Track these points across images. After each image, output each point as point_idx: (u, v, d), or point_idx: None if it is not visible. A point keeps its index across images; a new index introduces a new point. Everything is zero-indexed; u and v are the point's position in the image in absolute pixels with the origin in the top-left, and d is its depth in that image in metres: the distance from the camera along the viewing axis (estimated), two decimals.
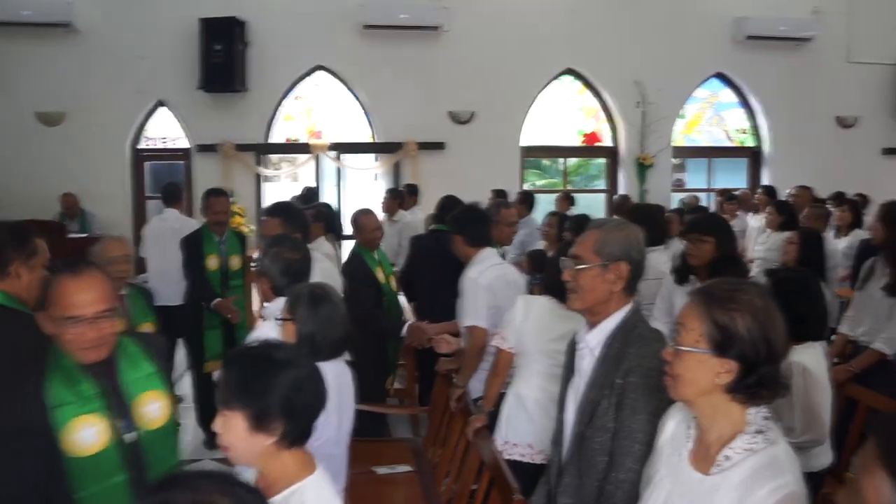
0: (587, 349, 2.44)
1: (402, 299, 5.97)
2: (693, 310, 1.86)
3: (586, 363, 2.44)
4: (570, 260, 2.45)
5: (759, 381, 1.79)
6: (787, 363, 3.05)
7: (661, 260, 4.72)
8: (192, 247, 5.68)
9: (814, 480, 2.88)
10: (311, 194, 9.49)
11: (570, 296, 2.46)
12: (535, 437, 3.57)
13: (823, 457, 3.35)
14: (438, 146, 10.56)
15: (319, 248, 5.09)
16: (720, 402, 1.83)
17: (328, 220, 6.02)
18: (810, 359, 3.22)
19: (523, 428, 3.60)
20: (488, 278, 4.21)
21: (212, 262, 5.64)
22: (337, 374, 2.76)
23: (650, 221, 4.81)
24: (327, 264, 4.69)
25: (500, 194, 8.97)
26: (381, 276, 5.24)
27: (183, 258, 5.73)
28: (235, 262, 5.74)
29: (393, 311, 5.38)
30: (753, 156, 12.00)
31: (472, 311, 4.19)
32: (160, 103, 10.24)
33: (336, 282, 4.46)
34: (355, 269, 5.16)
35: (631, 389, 2.29)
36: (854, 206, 7.50)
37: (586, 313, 2.46)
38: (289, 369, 1.90)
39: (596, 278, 2.39)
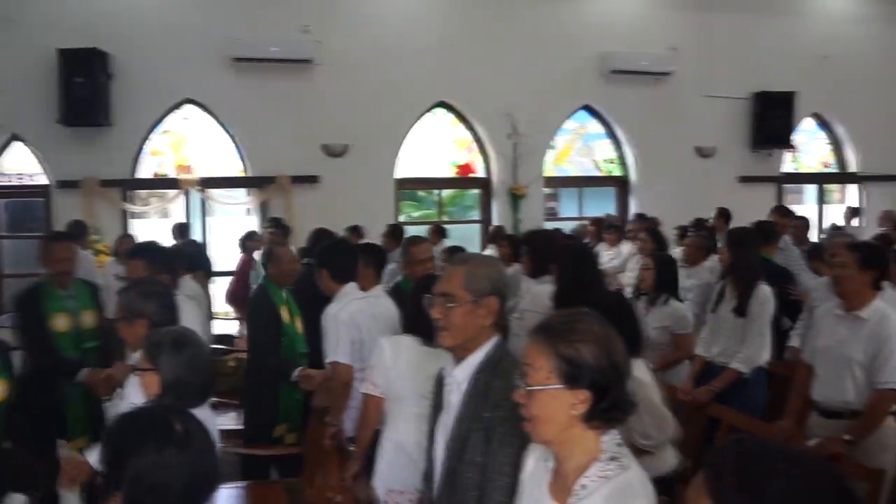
0: (455, 384, 2.43)
1: None
2: (537, 348, 1.87)
3: (455, 398, 2.43)
4: (439, 297, 2.42)
5: (612, 404, 1.83)
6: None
7: (548, 293, 4.54)
8: (28, 307, 4.61)
9: (664, 485, 2.96)
10: (184, 230, 9.21)
11: (440, 333, 2.42)
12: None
13: (668, 460, 3.48)
14: (312, 179, 10.43)
15: (183, 289, 4.86)
16: (577, 433, 1.86)
17: (194, 258, 5.81)
18: (637, 371, 3.35)
19: (408, 473, 3.36)
20: (349, 312, 4.16)
21: (60, 323, 4.57)
22: (201, 420, 2.66)
23: (546, 249, 4.80)
24: (190, 305, 4.46)
25: (354, 230, 8.79)
26: (285, 315, 4.89)
27: (16, 322, 4.75)
28: (89, 318, 4.70)
29: (291, 352, 4.92)
30: (621, 185, 12.40)
31: (333, 347, 4.14)
32: (15, 137, 9.69)
33: (201, 324, 4.31)
34: (258, 307, 4.91)
35: (499, 423, 2.28)
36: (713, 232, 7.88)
37: (456, 349, 2.44)
38: (162, 447, 1.63)
39: (468, 315, 2.37)
